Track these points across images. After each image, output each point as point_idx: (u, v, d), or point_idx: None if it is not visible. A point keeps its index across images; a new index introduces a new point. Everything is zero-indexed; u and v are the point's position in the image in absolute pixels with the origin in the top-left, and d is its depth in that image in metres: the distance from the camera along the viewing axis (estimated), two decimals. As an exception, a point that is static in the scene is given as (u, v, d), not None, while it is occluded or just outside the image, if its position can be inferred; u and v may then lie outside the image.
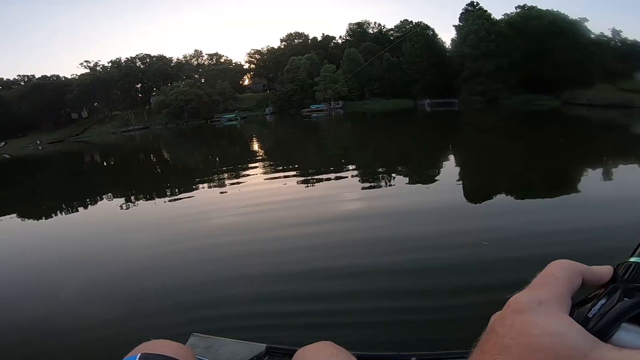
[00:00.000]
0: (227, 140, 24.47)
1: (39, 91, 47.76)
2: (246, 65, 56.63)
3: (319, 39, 52.09)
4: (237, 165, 11.81)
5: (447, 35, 74.23)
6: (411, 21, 44.38)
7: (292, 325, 2.53)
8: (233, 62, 56.75)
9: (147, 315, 2.88)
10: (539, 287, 0.24)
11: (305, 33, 53.02)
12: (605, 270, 0.25)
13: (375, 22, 49.77)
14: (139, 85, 52.41)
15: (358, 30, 48.07)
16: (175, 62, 54.69)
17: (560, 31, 29.01)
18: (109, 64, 51.68)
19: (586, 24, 30.84)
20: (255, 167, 11.08)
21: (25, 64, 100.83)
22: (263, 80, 54.02)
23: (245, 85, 57.13)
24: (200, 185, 9.27)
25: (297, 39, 52.61)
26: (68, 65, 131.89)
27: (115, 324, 2.83)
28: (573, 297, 0.23)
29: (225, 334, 1.75)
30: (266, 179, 8.92)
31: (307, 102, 40.81)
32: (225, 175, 10.27)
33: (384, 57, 39.76)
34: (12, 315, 3.33)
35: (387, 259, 3.45)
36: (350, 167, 9.16)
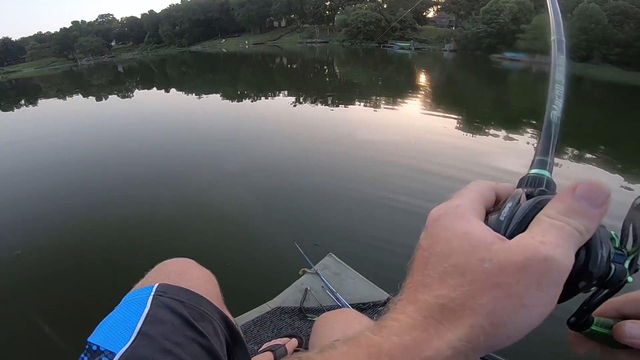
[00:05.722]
0: (395, 67, 23.41)
1: (254, 0, 55.75)
2: (435, -2, 49.85)
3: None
4: (397, 92, 11.29)
5: None
6: None
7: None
8: (421, -9, 50.69)
9: (295, 225, 2.99)
10: (456, 197, 0.25)
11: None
12: (511, 185, 0.27)
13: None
14: (328, 3, 54.51)
15: (605, -16, 34.44)
16: (363, -17, 53.10)
17: None
18: (310, -21, 54.62)
19: None
20: (415, 99, 10.33)
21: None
22: (451, 15, 47.21)
23: (429, 17, 51.59)
24: (358, 103, 9.41)
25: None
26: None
27: (267, 221, 3.07)
28: (488, 209, 0.26)
29: (360, 265, 1.63)
30: (423, 113, 8.22)
31: (499, 48, 33.92)
32: (383, 99, 10.00)
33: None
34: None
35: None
36: (530, 130, 7.13)
